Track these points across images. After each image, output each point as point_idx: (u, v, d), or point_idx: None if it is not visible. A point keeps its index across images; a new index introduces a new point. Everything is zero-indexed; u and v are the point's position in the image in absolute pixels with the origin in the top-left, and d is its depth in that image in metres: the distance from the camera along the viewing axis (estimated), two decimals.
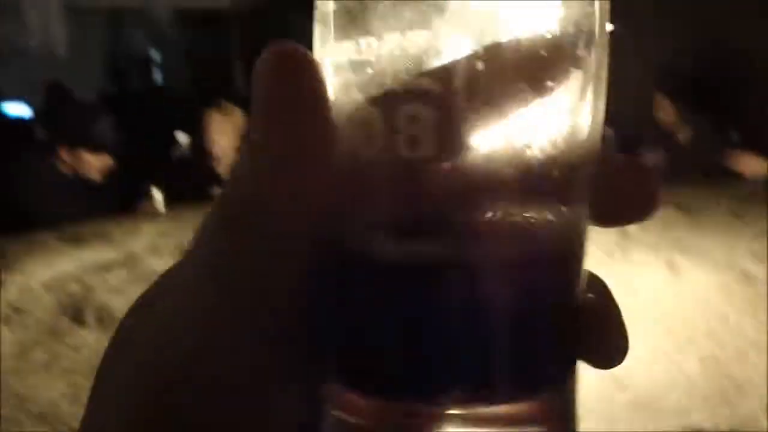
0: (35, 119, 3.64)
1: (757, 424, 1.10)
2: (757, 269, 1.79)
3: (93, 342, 1.55)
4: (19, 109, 4.12)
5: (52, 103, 3.01)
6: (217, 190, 2.48)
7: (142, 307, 0.26)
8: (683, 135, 2.72)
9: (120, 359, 0.25)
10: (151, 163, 2.53)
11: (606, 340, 0.28)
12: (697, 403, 1.15)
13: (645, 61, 2.74)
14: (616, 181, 0.26)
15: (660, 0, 3.06)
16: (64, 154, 2.28)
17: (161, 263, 1.79)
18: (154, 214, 2.18)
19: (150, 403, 0.24)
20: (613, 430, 1.06)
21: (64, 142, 2.29)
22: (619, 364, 0.29)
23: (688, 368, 1.26)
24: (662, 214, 2.03)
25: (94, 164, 2.28)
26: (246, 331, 0.24)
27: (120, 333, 0.26)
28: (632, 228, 2.11)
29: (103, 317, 1.62)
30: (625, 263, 1.86)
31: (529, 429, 0.25)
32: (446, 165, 0.23)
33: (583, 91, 0.24)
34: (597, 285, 0.27)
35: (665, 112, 2.76)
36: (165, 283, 0.26)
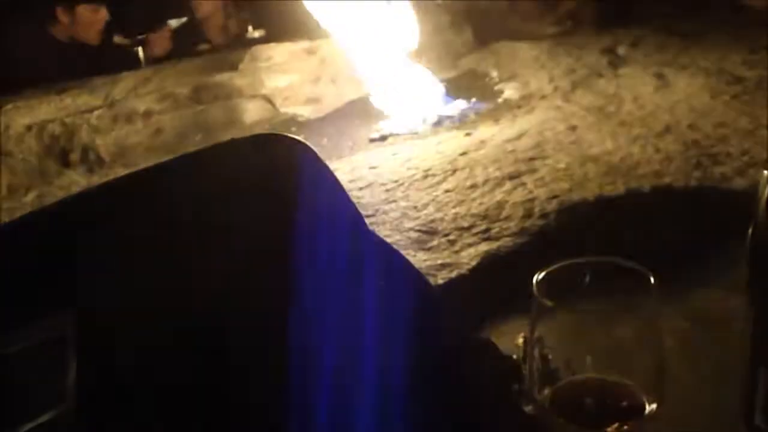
0: None
1: (729, 184, 1.09)
2: (747, 73, 1.75)
3: (81, 181, 1.56)
4: None
5: None
6: (201, 46, 2.45)
7: None
8: None
9: None
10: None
11: None
12: (670, 170, 1.14)
13: None
14: None
15: None
16: (61, 14, 2.19)
17: (141, 104, 1.78)
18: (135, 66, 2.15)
19: None
20: (585, 193, 1.06)
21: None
22: None
23: (667, 148, 1.25)
24: (655, 38, 1.94)
25: (92, 21, 2.19)
26: None
27: None
28: (622, 50, 2.06)
29: (88, 157, 1.62)
30: (613, 78, 1.83)
31: None
32: None
33: None
34: None
35: None
36: None
